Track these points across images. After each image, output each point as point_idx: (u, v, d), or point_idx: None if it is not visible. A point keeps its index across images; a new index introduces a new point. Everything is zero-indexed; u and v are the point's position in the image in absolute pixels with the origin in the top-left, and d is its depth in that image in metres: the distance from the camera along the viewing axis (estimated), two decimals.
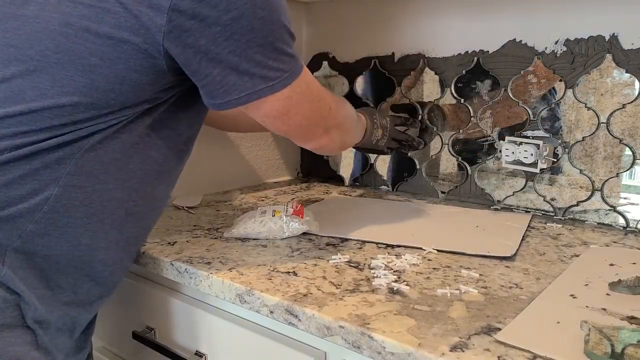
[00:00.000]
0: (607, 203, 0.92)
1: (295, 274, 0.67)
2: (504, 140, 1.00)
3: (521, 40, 0.98)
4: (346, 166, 1.27)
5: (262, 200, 1.11)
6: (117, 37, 0.53)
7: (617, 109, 0.89)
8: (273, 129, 0.68)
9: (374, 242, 0.80)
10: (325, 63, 1.28)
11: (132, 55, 0.55)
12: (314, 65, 1.30)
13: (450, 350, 0.48)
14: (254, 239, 0.81)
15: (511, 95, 1.00)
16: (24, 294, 0.57)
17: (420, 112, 1.13)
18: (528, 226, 0.90)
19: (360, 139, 0.93)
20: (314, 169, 1.36)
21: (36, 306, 0.58)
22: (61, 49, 0.53)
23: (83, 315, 0.65)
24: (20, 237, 0.56)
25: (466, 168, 1.08)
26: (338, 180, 1.31)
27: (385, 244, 0.79)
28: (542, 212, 1.00)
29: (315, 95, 0.68)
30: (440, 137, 1.11)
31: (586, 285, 0.64)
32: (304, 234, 0.83)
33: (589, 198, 0.94)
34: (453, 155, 1.10)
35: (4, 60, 0.54)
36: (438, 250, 0.76)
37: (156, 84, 0.59)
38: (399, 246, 0.78)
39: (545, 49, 0.95)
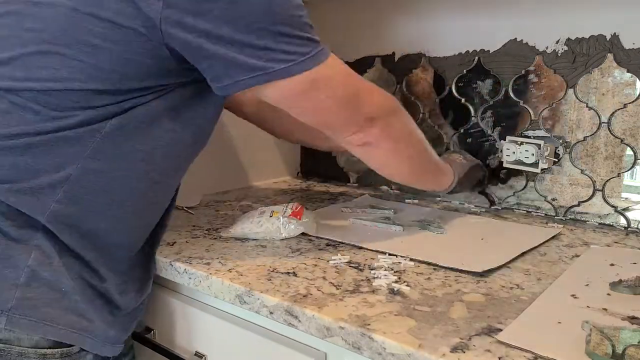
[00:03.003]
0: (608, 203, 0.92)
1: (295, 274, 0.67)
2: (504, 140, 1.00)
3: (522, 40, 0.97)
4: None
5: (262, 200, 1.11)
6: (118, 22, 0.55)
7: (619, 109, 0.89)
8: (303, 117, 0.66)
9: (356, 246, 0.78)
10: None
11: (133, 38, 0.56)
12: None
13: (450, 351, 0.48)
14: (253, 240, 0.81)
15: (512, 95, 1.00)
16: (54, 261, 0.61)
17: (422, 110, 1.12)
18: (544, 242, 0.82)
19: (448, 178, 0.88)
20: (314, 169, 1.36)
21: (63, 273, 0.61)
22: (69, 32, 0.56)
23: (111, 294, 0.66)
24: (46, 215, 0.59)
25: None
26: (338, 180, 1.30)
27: (364, 248, 0.77)
28: (543, 212, 0.99)
29: (348, 81, 0.66)
30: (442, 136, 1.11)
31: (587, 285, 0.64)
32: (304, 234, 0.83)
33: (590, 198, 0.94)
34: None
35: (23, 42, 0.57)
36: (411, 259, 0.72)
37: (161, 69, 0.59)
38: (378, 252, 0.75)
39: (546, 48, 0.95)
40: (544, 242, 0.81)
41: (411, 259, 0.72)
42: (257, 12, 0.56)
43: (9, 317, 0.56)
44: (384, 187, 1.22)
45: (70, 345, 0.60)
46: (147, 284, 0.74)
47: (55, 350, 0.59)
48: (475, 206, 1.05)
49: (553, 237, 0.84)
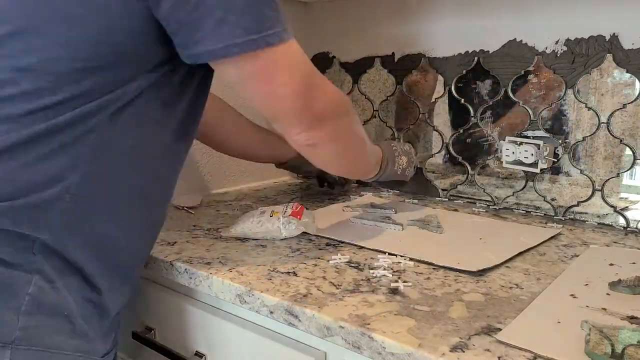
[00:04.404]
0: (607, 203, 0.92)
1: (295, 274, 0.67)
2: (504, 140, 1.00)
3: (521, 40, 0.98)
4: None
5: (262, 200, 1.11)
6: None
7: (618, 109, 0.89)
8: (256, 103, 0.62)
9: (356, 245, 0.78)
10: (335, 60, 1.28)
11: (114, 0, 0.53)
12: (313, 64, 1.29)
13: (450, 351, 0.48)
14: (254, 239, 0.81)
15: (511, 95, 1.00)
16: (57, 283, 0.58)
17: (422, 110, 1.13)
18: (543, 242, 0.82)
19: (375, 170, 0.86)
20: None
21: (65, 295, 0.59)
22: (48, 5, 0.53)
23: (105, 304, 0.65)
24: (48, 229, 0.56)
25: (466, 167, 1.08)
26: None
27: (364, 247, 0.77)
28: (543, 212, 0.99)
29: (306, 71, 0.63)
30: (441, 136, 1.11)
31: (586, 285, 0.64)
32: (304, 233, 0.83)
33: (589, 198, 0.94)
34: (453, 155, 1.10)
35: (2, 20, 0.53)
36: (410, 259, 0.72)
37: (147, 35, 0.56)
38: (378, 251, 0.76)
39: (546, 48, 0.95)
40: (542, 242, 0.81)
41: (410, 259, 0.72)
42: None
43: (13, 350, 0.53)
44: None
45: None
46: (133, 286, 0.72)
47: None
48: (476, 204, 1.05)
49: (552, 237, 0.84)
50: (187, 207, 1.01)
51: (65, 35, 0.53)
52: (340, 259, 0.72)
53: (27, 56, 0.54)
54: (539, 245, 0.80)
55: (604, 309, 0.57)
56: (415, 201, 1.09)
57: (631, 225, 0.90)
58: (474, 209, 1.03)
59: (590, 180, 0.93)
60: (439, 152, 1.12)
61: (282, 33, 0.58)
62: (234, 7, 0.54)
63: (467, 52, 1.05)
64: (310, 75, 0.64)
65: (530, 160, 0.96)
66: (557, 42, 0.94)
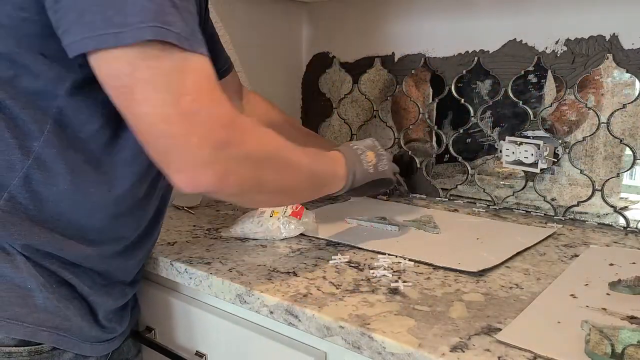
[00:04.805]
0: (607, 203, 0.92)
1: (295, 274, 0.67)
2: (504, 140, 1.00)
3: (521, 40, 0.98)
4: None
5: None
6: None
7: (618, 109, 0.89)
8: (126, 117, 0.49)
9: (353, 246, 0.78)
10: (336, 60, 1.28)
11: None
12: (313, 64, 1.30)
13: (450, 351, 0.48)
14: (254, 239, 0.81)
15: (511, 95, 1.00)
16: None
17: (421, 110, 1.13)
18: (540, 242, 0.82)
19: (338, 181, 0.71)
20: None
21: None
22: None
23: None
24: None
25: (466, 167, 1.08)
26: None
27: (361, 248, 0.77)
28: (543, 212, 0.99)
29: (194, 89, 0.47)
30: (442, 136, 1.11)
31: (586, 285, 0.64)
32: (304, 234, 0.83)
33: (589, 198, 0.94)
34: (453, 155, 1.09)
35: None
36: (409, 259, 0.72)
37: (39, 22, 0.49)
38: (375, 252, 0.76)
39: (546, 48, 0.95)
40: (539, 242, 0.81)
41: (410, 260, 0.72)
42: None
43: None
44: None
45: (40, 344, 0.58)
46: (128, 290, 0.70)
47: (22, 348, 0.57)
48: (474, 205, 1.05)
49: (552, 237, 0.84)
50: (187, 207, 1.01)
51: None
52: (340, 258, 0.72)
53: None
54: (537, 244, 0.80)
55: (604, 309, 0.57)
56: (407, 201, 1.08)
57: (631, 225, 0.90)
58: (473, 209, 1.03)
59: (590, 180, 0.93)
60: (439, 152, 1.12)
61: (158, 30, 0.45)
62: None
63: (467, 52, 1.05)
64: (198, 96, 0.48)
65: (530, 160, 0.96)
66: (557, 42, 0.94)
